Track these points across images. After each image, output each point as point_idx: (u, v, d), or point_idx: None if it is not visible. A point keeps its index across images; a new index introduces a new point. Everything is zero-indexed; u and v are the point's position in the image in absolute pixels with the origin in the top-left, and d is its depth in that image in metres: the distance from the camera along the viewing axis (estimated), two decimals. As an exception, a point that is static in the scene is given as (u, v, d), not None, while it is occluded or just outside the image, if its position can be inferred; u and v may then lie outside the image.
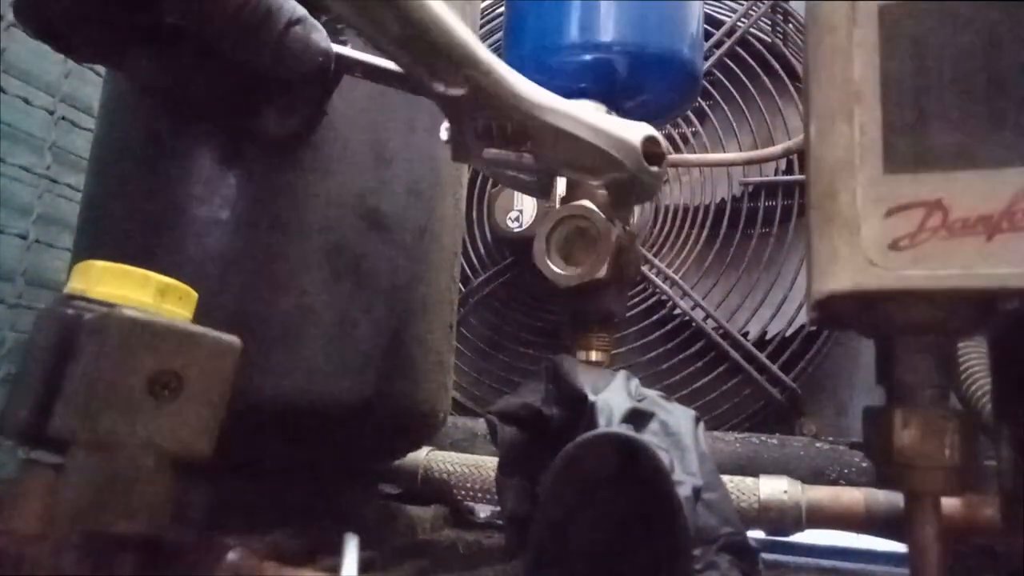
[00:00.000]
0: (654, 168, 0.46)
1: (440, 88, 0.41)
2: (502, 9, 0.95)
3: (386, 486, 0.72)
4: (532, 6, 0.60)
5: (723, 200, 0.83)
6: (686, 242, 0.84)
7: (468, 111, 0.43)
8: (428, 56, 0.40)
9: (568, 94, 0.57)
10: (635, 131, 0.45)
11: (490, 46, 0.93)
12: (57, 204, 0.79)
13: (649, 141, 0.46)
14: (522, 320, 0.89)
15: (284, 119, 0.35)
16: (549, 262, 0.48)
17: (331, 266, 0.48)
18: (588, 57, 0.57)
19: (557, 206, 0.49)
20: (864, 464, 0.66)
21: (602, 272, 0.46)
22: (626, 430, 0.39)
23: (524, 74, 0.59)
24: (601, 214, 0.47)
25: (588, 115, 0.44)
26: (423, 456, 0.70)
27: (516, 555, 0.45)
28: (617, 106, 0.58)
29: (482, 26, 0.93)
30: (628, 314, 0.83)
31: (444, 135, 0.45)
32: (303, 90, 0.36)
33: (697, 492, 0.40)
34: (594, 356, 0.50)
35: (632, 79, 0.57)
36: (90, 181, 0.54)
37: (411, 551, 0.54)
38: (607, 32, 0.56)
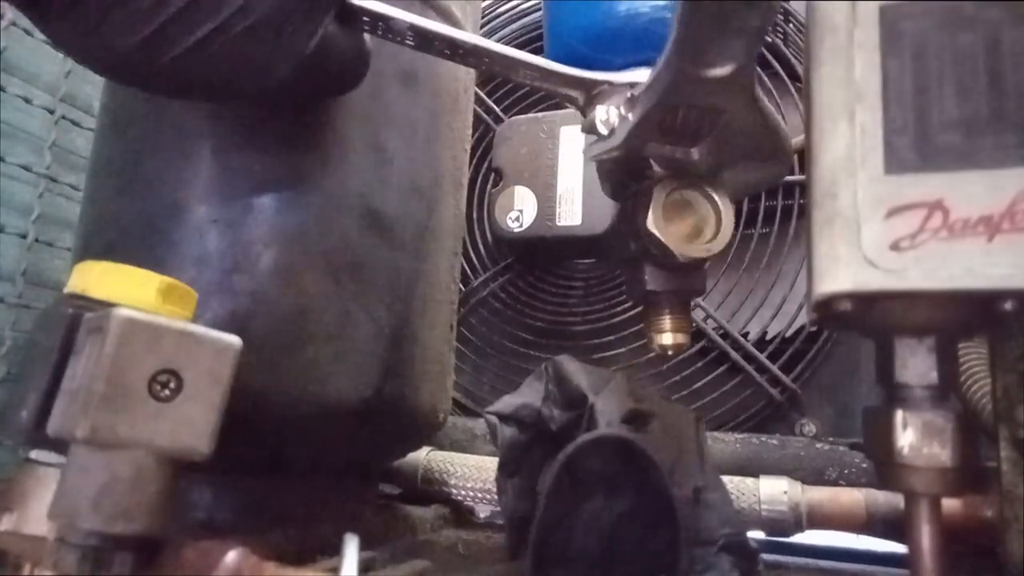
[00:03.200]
0: None
1: (711, 71, 0.36)
2: (502, 8, 0.95)
3: (386, 486, 0.72)
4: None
5: (723, 200, 0.83)
6: (686, 242, 0.83)
7: (691, 99, 0.39)
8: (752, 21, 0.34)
9: (620, 65, 0.52)
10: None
11: (490, 46, 0.93)
12: (57, 203, 0.79)
13: None
14: (522, 320, 0.89)
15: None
16: (671, 234, 0.43)
17: (331, 266, 0.48)
18: (643, 16, 0.50)
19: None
20: (864, 464, 0.66)
21: (721, 247, 0.42)
22: (626, 431, 0.39)
23: (571, 48, 0.54)
24: (715, 196, 0.44)
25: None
26: (423, 456, 0.70)
27: (516, 555, 0.45)
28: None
29: (482, 26, 0.93)
30: (627, 315, 0.83)
31: (604, 129, 0.42)
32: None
33: (697, 492, 0.40)
34: (681, 339, 0.47)
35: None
36: (90, 180, 0.54)
37: (411, 551, 0.54)
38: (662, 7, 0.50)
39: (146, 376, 0.31)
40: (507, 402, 0.47)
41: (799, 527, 0.58)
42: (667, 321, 0.47)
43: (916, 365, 0.30)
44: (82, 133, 0.81)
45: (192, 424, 0.32)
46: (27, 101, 0.73)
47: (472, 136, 0.70)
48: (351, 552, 0.36)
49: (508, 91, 0.92)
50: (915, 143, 0.27)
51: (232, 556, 0.32)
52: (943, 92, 0.27)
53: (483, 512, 0.73)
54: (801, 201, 0.79)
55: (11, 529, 0.32)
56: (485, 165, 0.91)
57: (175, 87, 0.38)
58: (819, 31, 0.31)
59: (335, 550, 0.37)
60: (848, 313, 0.30)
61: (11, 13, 0.71)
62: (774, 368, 0.77)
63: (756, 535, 0.60)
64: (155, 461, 0.31)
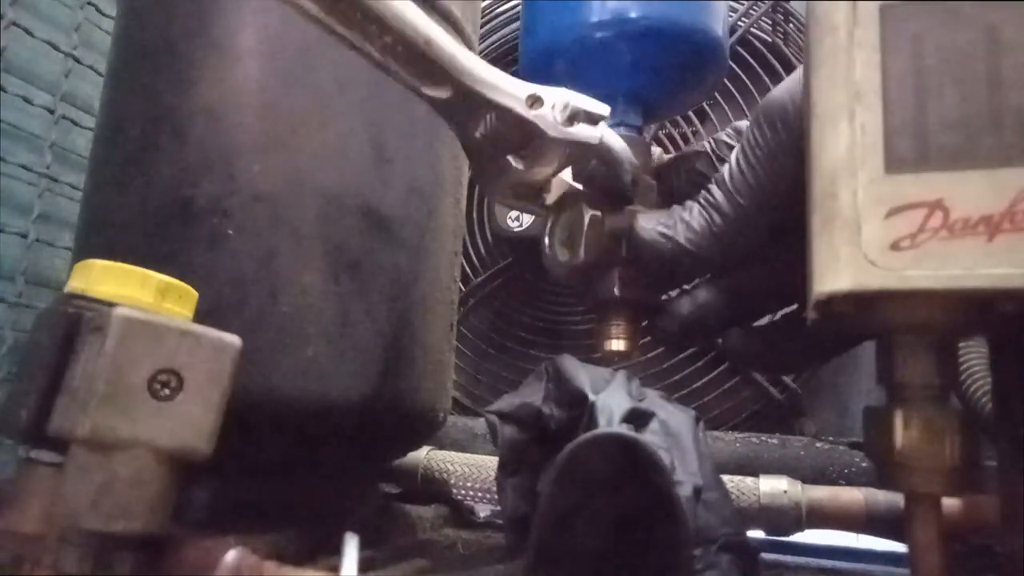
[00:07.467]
0: None
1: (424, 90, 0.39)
2: (502, 8, 0.95)
3: (386, 486, 0.72)
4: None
5: (723, 200, 0.83)
6: (686, 242, 0.83)
7: (459, 114, 0.41)
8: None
9: (594, 84, 0.51)
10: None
11: (490, 46, 0.93)
12: (58, 203, 0.79)
13: None
14: (522, 320, 0.89)
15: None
16: (548, 252, 0.47)
17: (331, 266, 0.48)
18: (613, 35, 0.48)
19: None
20: (864, 464, 0.66)
21: (580, 256, 0.44)
22: (626, 430, 0.39)
23: (542, 67, 0.53)
24: (582, 201, 0.44)
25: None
26: (423, 456, 0.70)
27: (516, 555, 0.45)
28: (644, 94, 0.52)
29: (482, 26, 0.92)
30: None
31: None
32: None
33: (697, 492, 0.40)
34: (615, 345, 0.48)
35: (661, 59, 0.49)
36: (90, 180, 0.54)
37: (411, 551, 0.54)
38: (633, 6, 0.48)
39: (146, 375, 0.31)
40: (507, 401, 0.47)
41: (799, 526, 0.59)
42: (603, 329, 0.48)
43: (916, 365, 0.30)
44: (82, 133, 0.81)
45: (192, 424, 0.32)
46: (27, 100, 0.73)
47: (472, 136, 0.70)
48: (351, 552, 0.36)
49: (508, 91, 0.92)
50: (915, 143, 0.27)
51: (232, 556, 0.32)
52: (943, 92, 0.27)
53: (483, 512, 0.73)
54: (801, 201, 0.79)
55: (11, 529, 0.32)
56: (485, 165, 0.91)
57: None
58: (819, 31, 0.31)
59: (335, 550, 0.37)
60: (848, 313, 0.30)
61: (11, 13, 0.71)
62: (774, 368, 0.77)
63: (756, 534, 0.60)
64: (155, 461, 0.31)
